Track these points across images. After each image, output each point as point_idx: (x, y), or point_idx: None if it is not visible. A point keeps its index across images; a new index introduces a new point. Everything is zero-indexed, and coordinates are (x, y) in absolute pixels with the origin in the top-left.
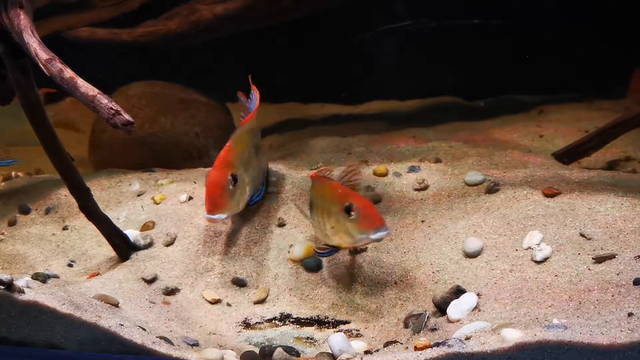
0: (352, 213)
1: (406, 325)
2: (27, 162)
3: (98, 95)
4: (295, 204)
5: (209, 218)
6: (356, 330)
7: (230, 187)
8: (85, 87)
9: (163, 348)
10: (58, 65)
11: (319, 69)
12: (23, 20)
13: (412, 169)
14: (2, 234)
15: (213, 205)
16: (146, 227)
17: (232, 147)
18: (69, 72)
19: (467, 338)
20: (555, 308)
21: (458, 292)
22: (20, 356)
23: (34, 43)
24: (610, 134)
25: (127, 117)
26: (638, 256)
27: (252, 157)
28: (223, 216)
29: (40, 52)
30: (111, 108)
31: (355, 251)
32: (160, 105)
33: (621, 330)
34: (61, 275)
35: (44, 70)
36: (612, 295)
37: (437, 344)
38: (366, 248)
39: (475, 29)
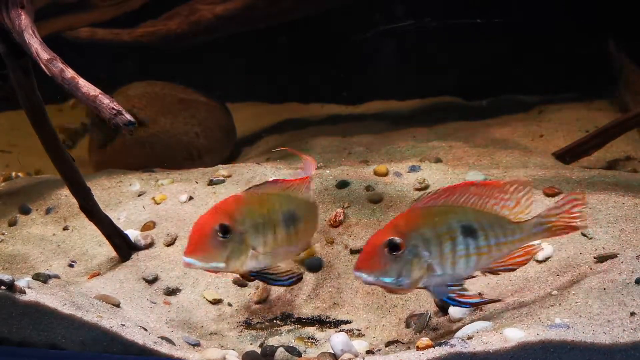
0: None
1: (408, 325)
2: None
3: (99, 95)
4: None
5: (183, 261)
6: (357, 330)
7: (218, 237)
8: (87, 87)
9: (165, 348)
10: (59, 65)
11: (319, 69)
12: (24, 21)
13: (413, 169)
14: (3, 234)
15: (188, 248)
16: (147, 227)
17: (242, 198)
18: (70, 72)
19: (469, 338)
20: (557, 307)
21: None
22: (21, 357)
23: (35, 43)
24: (610, 133)
25: (128, 117)
26: (639, 255)
27: (277, 227)
28: (198, 264)
29: (41, 52)
30: (113, 108)
31: None
32: (160, 105)
33: (624, 330)
34: (62, 276)
35: (45, 70)
36: (614, 295)
37: (440, 344)
38: None
39: (475, 28)
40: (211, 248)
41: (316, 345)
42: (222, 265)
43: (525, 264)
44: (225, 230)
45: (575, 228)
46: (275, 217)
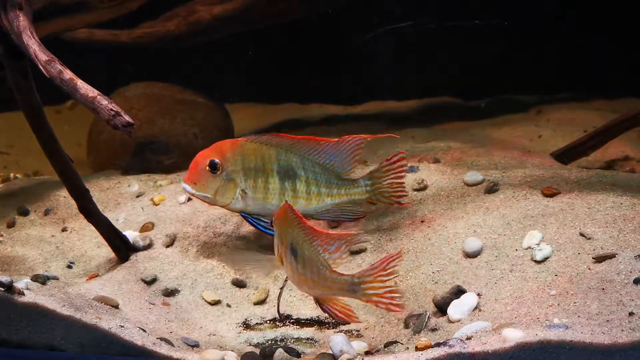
0: None
1: (406, 326)
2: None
3: (98, 96)
4: None
5: (182, 186)
6: (356, 330)
7: (208, 170)
8: (85, 88)
9: (164, 349)
10: (57, 66)
11: (318, 70)
12: (22, 22)
13: (411, 169)
14: (1, 235)
15: (187, 176)
16: (145, 228)
17: (241, 143)
18: (68, 74)
19: (468, 338)
20: (555, 308)
21: (458, 292)
22: (20, 358)
23: (33, 44)
24: (608, 133)
25: (127, 118)
26: (638, 255)
27: (271, 180)
28: (189, 189)
29: (39, 53)
30: (111, 109)
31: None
32: (158, 106)
33: (622, 330)
34: (60, 277)
35: (44, 72)
36: (613, 295)
37: (438, 344)
38: (365, 249)
39: (473, 28)
40: (201, 179)
41: (315, 346)
42: (210, 197)
43: (344, 321)
44: (214, 166)
45: (390, 305)
46: (269, 167)
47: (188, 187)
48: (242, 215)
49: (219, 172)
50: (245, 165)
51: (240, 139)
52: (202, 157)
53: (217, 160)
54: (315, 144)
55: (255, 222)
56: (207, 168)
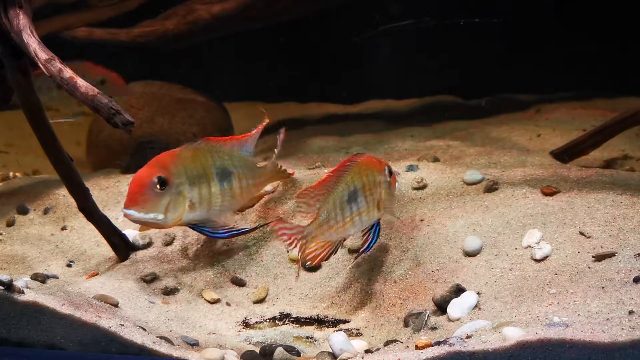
0: None
1: (406, 324)
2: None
3: (98, 95)
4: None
5: (124, 213)
6: (356, 329)
7: (156, 188)
8: (85, 87)
9: (163, 348)
10: (58, 65)
11: (317, 69)
12: (22, 21)
13: (411, 168)
14: (1, 234)
15: (129, 200)
16: (145, 227)
17: (179, 153)
18: (68, 72)
19: (468, 337)
20: (555, 306)
21: (458, 290)
22: (20, 357)
23: (33, 43)
24: (608, 132)
25: (127, 116)
26: (638, 254)
27: (212, 184)
28: (137, 215)
29: (39, 52)
30: (111, 108)
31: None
32: (158, 105)
33: (622, 328)
34: (60, 276)
35: (44, 70)
36: (613, 294)
37: (438, 343)
38: None
39: (472, 27)
40: (150, 199)
41: (314, 344)
42: (161, 216)
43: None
44: (163, 182)
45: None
46: (209, 172)
47: (133, 212)
48: (189, 226)
49: (167, 188)
50: (189, 174)
51: (175, 149)
52: (146, 176)
53: (164, 176)
54: (237, 141)
55: (203, 229)
56: (157, 186)
